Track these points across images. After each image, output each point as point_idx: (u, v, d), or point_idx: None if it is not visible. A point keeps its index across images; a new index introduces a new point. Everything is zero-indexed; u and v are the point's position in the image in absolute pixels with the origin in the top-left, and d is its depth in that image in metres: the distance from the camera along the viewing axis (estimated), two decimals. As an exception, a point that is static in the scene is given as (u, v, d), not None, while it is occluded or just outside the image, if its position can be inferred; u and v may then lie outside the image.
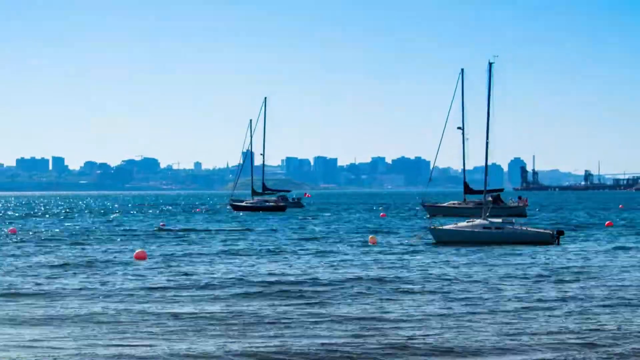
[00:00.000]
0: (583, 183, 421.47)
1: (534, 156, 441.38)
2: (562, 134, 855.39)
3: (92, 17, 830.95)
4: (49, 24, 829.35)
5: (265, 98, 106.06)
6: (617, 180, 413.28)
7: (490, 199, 79.75)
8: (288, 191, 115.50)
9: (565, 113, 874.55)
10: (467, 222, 45.38)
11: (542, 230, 44.25)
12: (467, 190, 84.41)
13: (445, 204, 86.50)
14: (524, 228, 44.03)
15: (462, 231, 43.79)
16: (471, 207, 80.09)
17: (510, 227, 43.50)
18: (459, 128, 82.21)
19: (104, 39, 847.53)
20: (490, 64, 50.84)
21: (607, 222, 67.11)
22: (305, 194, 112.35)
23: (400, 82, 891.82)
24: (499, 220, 44.75)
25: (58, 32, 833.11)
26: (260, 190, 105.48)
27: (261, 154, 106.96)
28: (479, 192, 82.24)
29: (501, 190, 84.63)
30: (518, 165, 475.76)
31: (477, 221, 44.75)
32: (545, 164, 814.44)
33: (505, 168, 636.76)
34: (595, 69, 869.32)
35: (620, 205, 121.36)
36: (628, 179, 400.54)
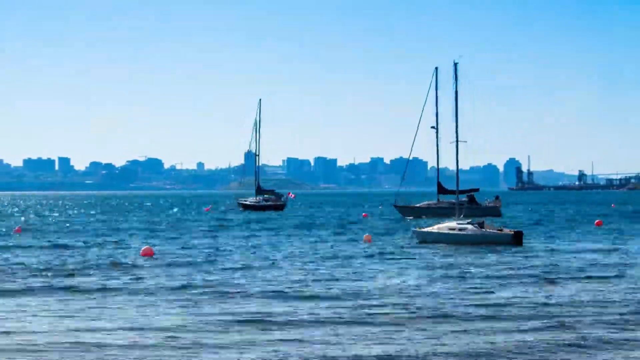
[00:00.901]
0: (577, 183, 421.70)
1: (529, 157, 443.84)
2: (557, 134, 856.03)
3: (96, 18, 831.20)
4: (54, 25, 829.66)
5: (260, 100, 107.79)
6: (610, 180, 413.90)
7: (465, 199, 79.80)
8: (273, 190, 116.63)
9: (560, 114, 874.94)
10: (442, 223, 45.93)
11: (505, 232, 43.47)
12: (441, 190, 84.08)
13: (417, 205, 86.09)
14: (487, 230, 43.35)
15: (435, 233, 44.23)
16: (442, 207, 79.99)
17: (476, 228, 43.22)
18: (432, 127, 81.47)
19: (110, 41, 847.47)
20: (455, 64, 50.58)
21: (596, 222, 66.80)
22: (289, 194, 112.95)
23: (399, 83, 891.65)
24: (467, 221, 44.50)
25: (64, 34, 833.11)
26: (258, 190, 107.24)
27: (257, 155, 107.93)
28: (453, 192, 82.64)
29: (476, 190, 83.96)
30: (513, 165, 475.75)
31: (448, 223, 45.16)
32: (540, 164, 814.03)
33: (501, 168, 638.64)
34: (590, 71, 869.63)
35: (612, 205, 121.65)
36: (620, 179, 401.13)
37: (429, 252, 38.25)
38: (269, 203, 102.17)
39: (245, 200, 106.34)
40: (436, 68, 79.36)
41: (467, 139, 63.67)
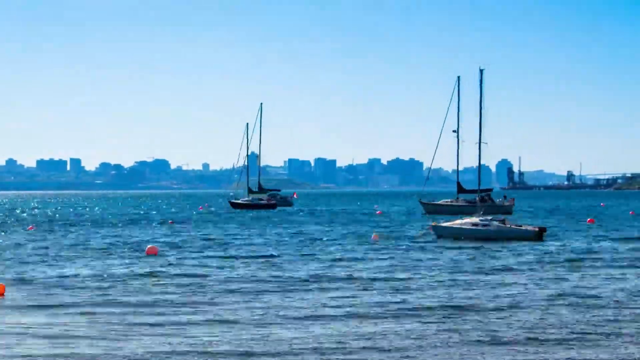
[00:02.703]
0: (566, 183, 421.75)
1: (520, 157, 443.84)
2: (547, 136, 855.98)
3: (108, 22, 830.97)
4: (65, 27, 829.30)
5: (262, 104, 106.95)
6: (598, 180, 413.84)
7: (479, 198, 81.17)
8: (278, 190, 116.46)
9: (550, 116, 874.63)
10: (463, 219, 45.54)
11: (528, 228, 44.01)
12: (460, 189, 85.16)
13: (439, 202, 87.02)
14: (512, 226, 43.84)
15: (458, 228, 43.87)
16: (463, 205, 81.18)
17: (500, 225, 43.33)
18: (454, 131, 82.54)
19: (120, 45, 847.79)
20: (481, 71, 50.76)
21: (588, 219, 67.00)
22: (294, 194, 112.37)
23: (396, 87, 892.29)
24: (490, 218, 44.66)
25: (76, 36, 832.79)
26: (256, 190, 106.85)
27: (257, 156, 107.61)
28: (471, 191, 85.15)
29: (491, 190, 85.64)
30: (505, 166, 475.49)
31: (471, 219, 44.86)
32: (530, 164, 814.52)
33: (493, 169, 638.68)
34: (577, 75, 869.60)
35: (602, 204, 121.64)
36: (608, 179, 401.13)
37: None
38: (262, 202, 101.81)
39: (241, 200, 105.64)
40: (458, 77, 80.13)
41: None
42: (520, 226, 44.52)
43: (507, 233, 42.44)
